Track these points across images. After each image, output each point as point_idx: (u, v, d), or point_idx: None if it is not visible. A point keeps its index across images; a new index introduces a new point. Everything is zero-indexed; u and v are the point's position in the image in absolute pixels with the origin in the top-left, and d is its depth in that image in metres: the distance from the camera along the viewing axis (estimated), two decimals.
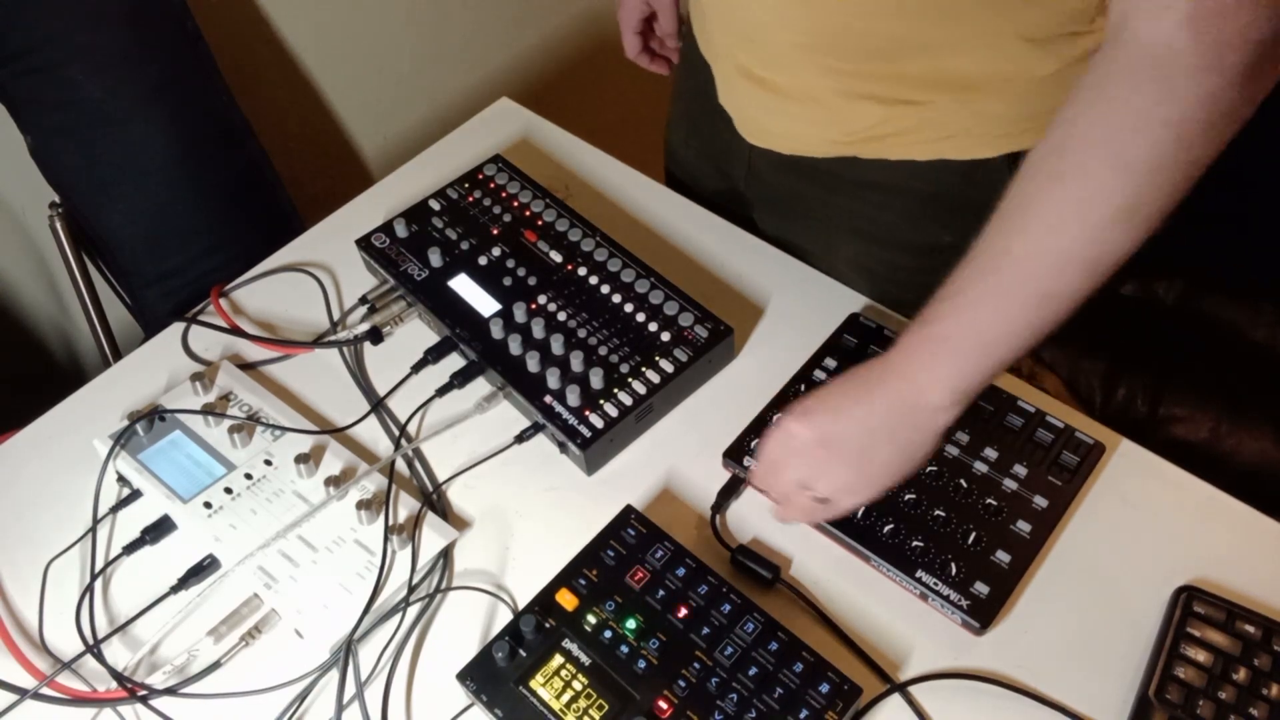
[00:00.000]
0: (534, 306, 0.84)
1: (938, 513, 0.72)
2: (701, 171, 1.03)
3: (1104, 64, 0.56)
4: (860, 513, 0.72)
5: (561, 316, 0.84)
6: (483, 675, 0.65)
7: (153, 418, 0.81)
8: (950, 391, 0.62)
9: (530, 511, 0.78)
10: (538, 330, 0.83)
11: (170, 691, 0.68)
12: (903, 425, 0.64)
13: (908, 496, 0.73)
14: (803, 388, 0.80)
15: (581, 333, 0.82)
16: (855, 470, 0.65)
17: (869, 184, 0.87)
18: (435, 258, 0.88)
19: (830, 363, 0.81)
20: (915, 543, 0.71)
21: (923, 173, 0.83)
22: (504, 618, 0.72)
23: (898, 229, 0.89)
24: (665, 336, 0.82)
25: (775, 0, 0.77)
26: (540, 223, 0.91)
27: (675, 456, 0.80)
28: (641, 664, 0.65)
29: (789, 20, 0.78)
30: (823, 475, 0.66)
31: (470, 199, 0.94)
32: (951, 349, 0.62)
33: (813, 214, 0.92)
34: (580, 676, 0.65)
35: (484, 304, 0.85)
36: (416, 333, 0.88)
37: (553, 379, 0.79)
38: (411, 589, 0.72)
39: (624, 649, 0.66)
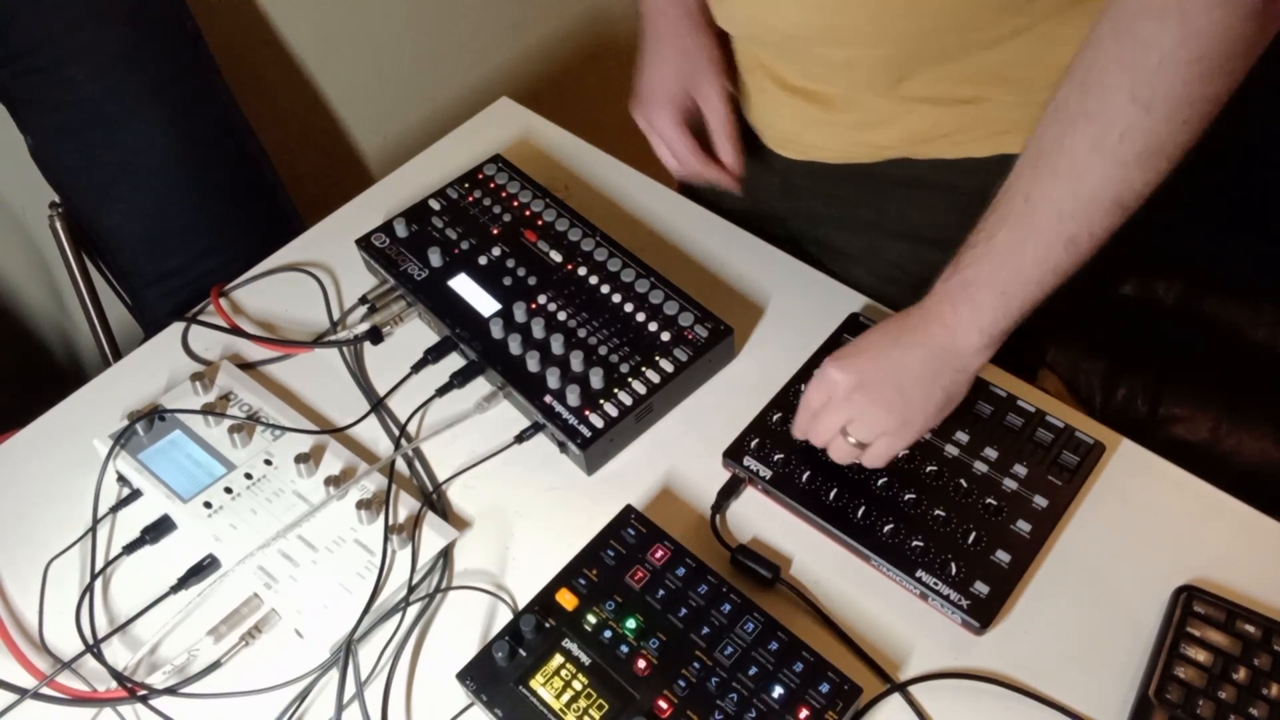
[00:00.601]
0: (534, 306, 0.84)
1: (938, 513, 0.72)
2: (717, 193, 0.96)
3: (1125, 2, 0.57)
4: (860, 512, 0.72)
5: (561, 316, 0.84)
6: (483, 675, 0.65)
7: (153, 418, 0.81)
8: (980, 334, 0.65)
9: (530, 511, 0.78)
10: (538, 330, 0.83)
11: (170, 691, 0.68)
12: (938, 367, 0.67)
13: (908, 496, 0.73)
14: (803, 387, 0.79)
15: (581, 332, 0.82)
16: (893, 412, 0.67)
17: (923, 184, 0.85)
18: (435, 257, 0.88)
19: None
20: (915, 543, 0.71)
21: (981, 169, 0.81)
22: (504, 618, 0.72)
23: (953, 228, 0.85)
24: (665, 336, 0.82)
25: (827, 20, 0.73)
26: (540, 223, 0.91)
27: (675, 456, 0.80)
28: (641, 664, 0.65)
29: (841, 35, 0.75)
30: (861, 418, 0.68)
31: (470, 199, 0.94)
32: (981, 294, 0.64)
33: (856, 220, 0.88)
34: (580, 676, 0.65)
35: (484, 304, 0.85)
36: (416, 333, 0.88)
37: (553, 379, 0.79)
38: (411, 589, 0.72)
39: (624, 649, 0.66)
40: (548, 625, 0.67)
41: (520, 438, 0.80)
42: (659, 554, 0.70)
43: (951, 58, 0.74)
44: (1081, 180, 0.60)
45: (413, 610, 0.72)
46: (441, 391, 0.83)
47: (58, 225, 1.09)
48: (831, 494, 0.73)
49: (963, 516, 0.72)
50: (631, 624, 0.67)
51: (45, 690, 0.68)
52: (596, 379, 0.78)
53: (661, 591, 0.68)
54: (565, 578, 0.69)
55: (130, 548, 0.75)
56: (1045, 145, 0.61)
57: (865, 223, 0.89)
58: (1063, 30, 0.73)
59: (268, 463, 0.79)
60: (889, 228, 0.90)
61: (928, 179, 0.84)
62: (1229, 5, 0.53)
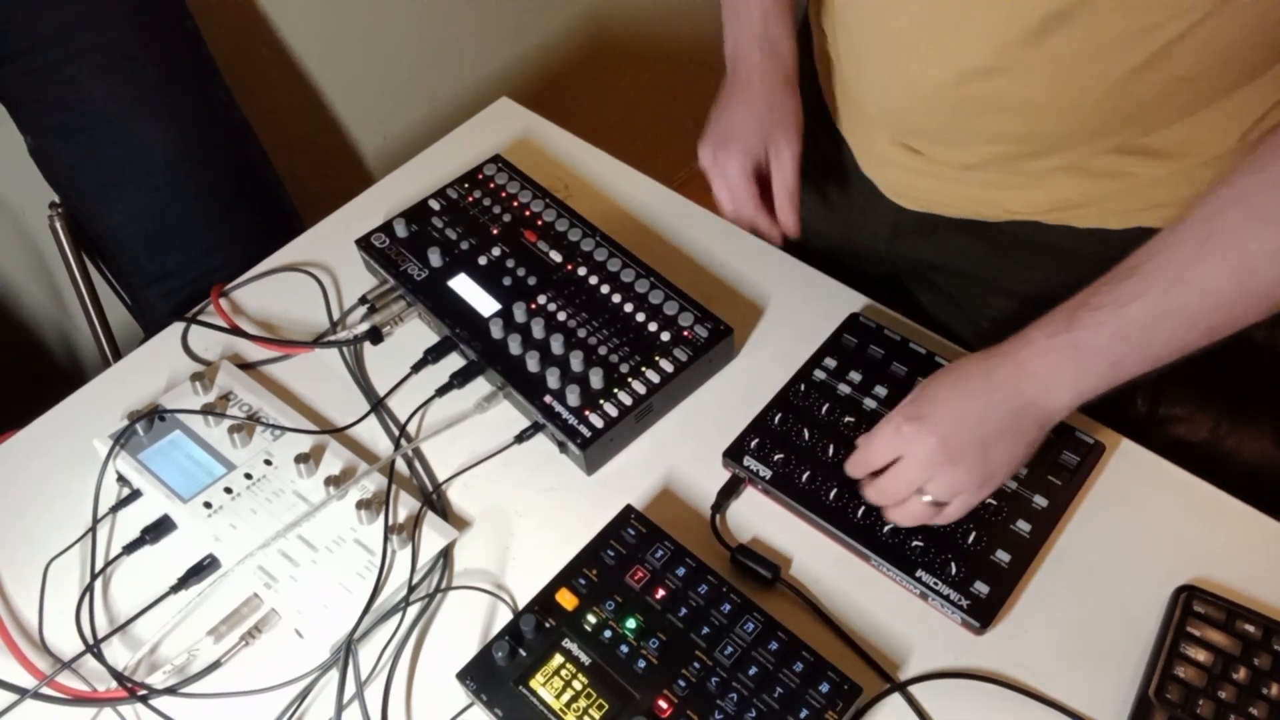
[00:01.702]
0: (534, 306, 0.84)
1: None
2: (812, 228, 0.88)
3: None
4: (860, 512, 0.72)
5: (561, 316, 0.84)
6: (483, 675, 0.65)
7: (153, 418, 0.81)
8: (1076, 396, 0.62)
9: (530, 511, 0.78)
10: (537, 330, 0.83)
11: (170, 691, 0.68)
12: (1024, 424, 0.63)
13: None
14: (803, 387, 0.80)
15: (581, 332, 0.82)
16: (974, 471, 0.64)
17: (1047, 248, 0.80)
18: (435, 258, 0.88)
19: (830, 362, 0.81)
20: (915, 542, 0.71)
21: (1112, 240, 0.76)
22: (504, 617, 0.72)
23: (1068, 293, 0.74)
24: (665, 336, 0.82)
25: (994, 89, 0.69)
26: (540, 223, 0.91)
27: (675, 456, 0.80)
28: (641, 664, 0.65)
29: (1007, 104, 0.70)
30: (940, 477, 0.64)
31: (470, 199, 0.94)
32: (1092, 359, 0.61)
33: (969, 273, 0.82)
34: (580, 676, 0.65)
35: (484, 304, 0.85)
36: (416, 333, 0.88)
37: (553, 379, 0.79)
38: (411, 589, 0.72)
39: (624, 649, 0.66)
40: (548, 625, 0.67)
41: (520, 438, 0.80)
42: (659, 554, 0.70)
43: (1109, 132, 0.70)
44: (1254, 276, 0.57)
45: (413, 610, 0.72)
46: (441, 391, 0.83)
47: (58, 225, 1.09)
48: (831, 494, 0.73)
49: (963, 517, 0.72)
50: (631, 624, 0.67)
51: (45, 690, 0.68)
52: (596, 379, 0.78)
53: (661, 591, 0.68)
54: (565, 578, 0.69)
55: (130, 548, 0.75)
56: (1217, 230, 0.58)
57: (980, 278, 0.83)
58: (1227, 105, 0.68)
59: (268, 463, 0.79)
60: (1004, 285, 0.85)
61: (1050, 243, 0.80)
62: None
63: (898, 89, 0.74)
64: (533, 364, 0.80)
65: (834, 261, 0.92)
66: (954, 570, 0.69)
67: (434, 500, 0.78)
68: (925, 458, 0.63)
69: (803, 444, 0.76)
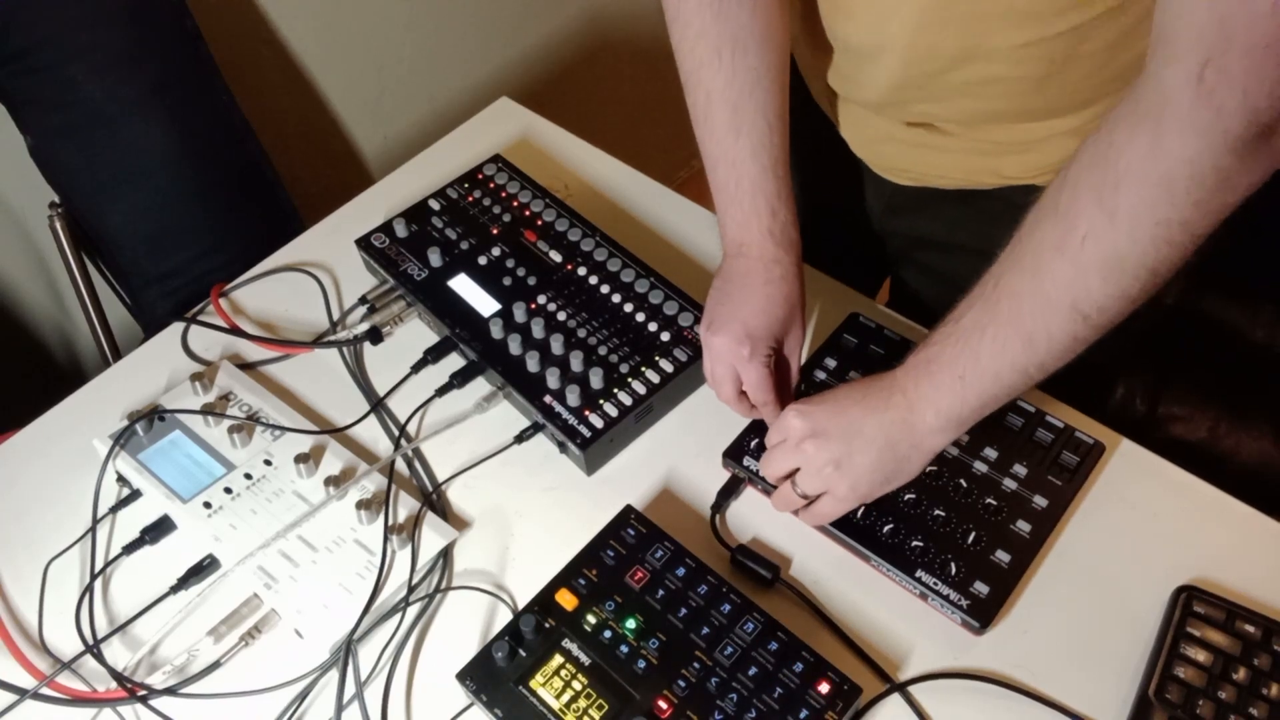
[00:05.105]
0: (534, 306, 0.84)
1: (937, 512, 0.72)
2: (816, 223, 0.87)
3: (1121, 103, 0.55)
4: (860, 512, 0.72)
5: (561, 316, 0.84)
6: (482, 675, 0.65)
7: (152, 418, 0.81)
8: (937, 415, 0.64)
9: (530, 511, 0.78)
10: (537, 330, 0.83)
11: (170, 691, 0.68)
12: (893, 437, 0.66)
13: (908, 496, 0.73)
14: (803, 387, 0.80)
15: (581, 333, 0.82)
16: (837, 469, 0.67)
17: None
18: (435, 257, 0.88)
19: (830, 362, 0.81)
20: (915, 542, 0.71)
21: None
22: (504, 618, 0.72)
23: None
24: (665, 336, 0.82)
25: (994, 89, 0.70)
26: (540, 223, 0.91)
27: (675, 456, 0.80)
28: (641, 664, 0.65)
29: (1000, 103, 0.71)
30: (808, 469, 0.68)
31: (470, 199, 0.94)
32: (941, 374, 0.64)
33: (958, 244, 0.82)
34: (580, 676, 0.65)
35: (484, 304, 0.85)
36: (416, 333, 0.88)
37: (552, 379, 0.79)
38: (411, 589, 0.72)
39: (624, 649, 0.66)
40: (547, 625, 0.67)
41: (520, 438, 0.80)
42: (659, 554, 0.70)
43: (1104, 96, 0.70)
44: (1041, 278, 0.58)
45: (413, 610, 0.72)
46: (441, 391, 0.83)
47: (58, 225, 1.09)
48: None
49: (962, 516, 0.72)
50: (631, 624, 0.67)
51: (45, 690, 0.68)
52: (596, 379, 0.78)
53: (661, 592, 0.68)
54: (565, 578, 0.69)
55: (130, 548, 0.75)
56: (1021, 235, 0.60)
57: (971, 249, 0.82)
58: None
59: (267, 463, 0.79)
60: (997, 254, 0.85)
61: None
62: (1205, 135, 0.50)
63: (894, 80, 0.74)
64: (533, 364, 0.80)
65: (826, 243, 0.92)
66: (954, 570, 0.69)
67: (434, 500, 0.78)
68: (796, 442, 0.68)
69: None
